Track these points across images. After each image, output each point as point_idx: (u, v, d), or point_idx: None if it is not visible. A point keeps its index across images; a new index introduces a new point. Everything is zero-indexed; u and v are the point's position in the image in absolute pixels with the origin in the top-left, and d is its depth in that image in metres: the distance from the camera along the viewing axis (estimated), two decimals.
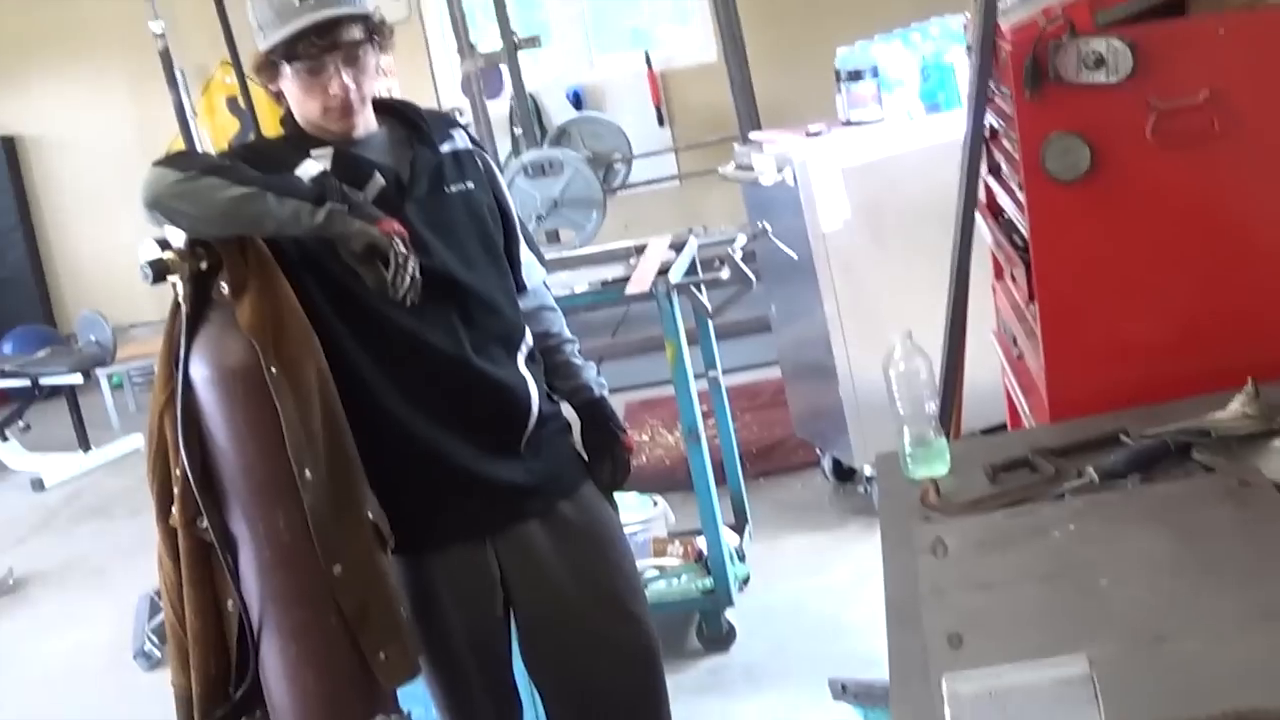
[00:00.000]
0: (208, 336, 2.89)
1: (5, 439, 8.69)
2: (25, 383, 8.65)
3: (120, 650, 5.68)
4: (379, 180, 3.02)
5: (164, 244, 2.90)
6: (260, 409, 2.84)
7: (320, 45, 2.97)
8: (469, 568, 3.14)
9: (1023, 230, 2.94)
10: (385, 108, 3.17)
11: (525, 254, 3.32)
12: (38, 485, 8.31)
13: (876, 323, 5.33)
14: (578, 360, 3.39)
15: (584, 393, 3.38)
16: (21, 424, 8.68)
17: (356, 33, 3.01)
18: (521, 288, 3.29)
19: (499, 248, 3.21)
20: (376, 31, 3.06)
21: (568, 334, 3.41)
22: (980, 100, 2.97)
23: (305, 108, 3.04)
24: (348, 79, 2.99)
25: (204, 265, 2.88)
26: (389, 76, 3.17)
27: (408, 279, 2.88)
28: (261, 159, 3.00)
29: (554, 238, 8.92)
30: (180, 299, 2.90)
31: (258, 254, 2.89)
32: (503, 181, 3.31)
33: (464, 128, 3.27)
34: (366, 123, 3.09)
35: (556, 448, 3.25)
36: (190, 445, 2.88)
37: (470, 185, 3.16)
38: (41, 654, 6.08)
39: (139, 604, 5.73)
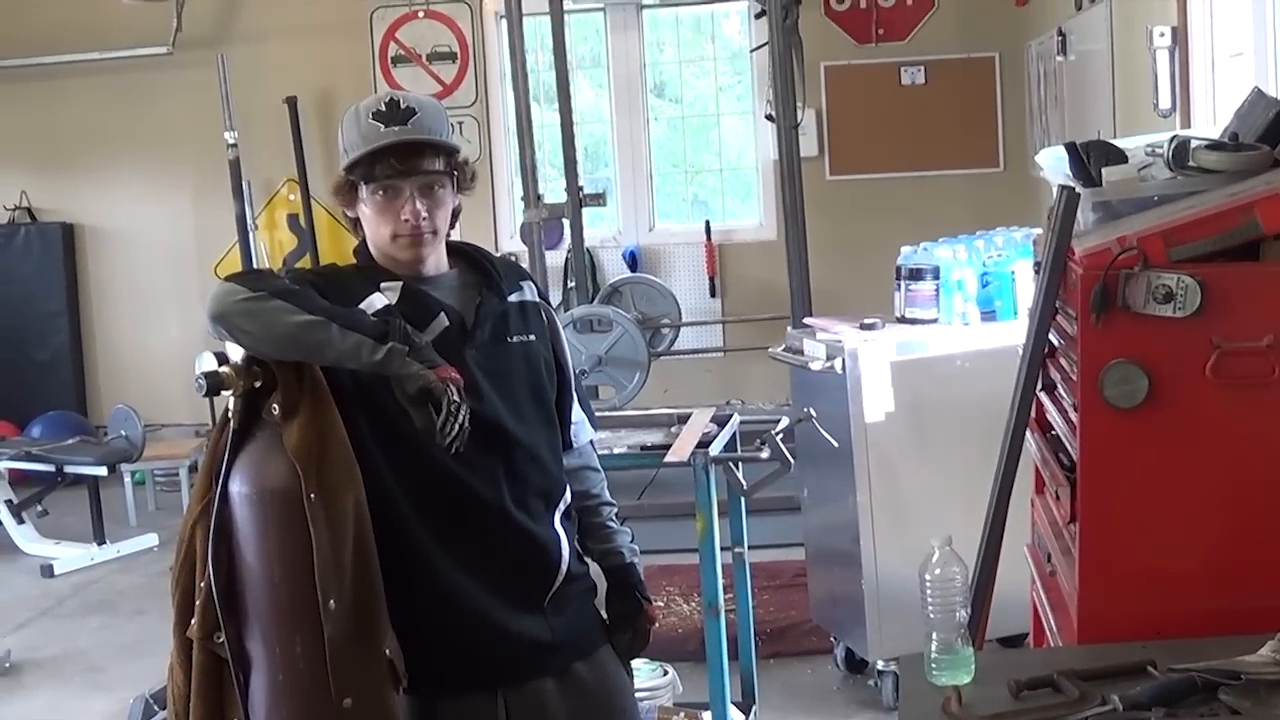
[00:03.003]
0: (252, 454, 2.90)
1: (21, 521, 8.68)
2: (50, 468, 8.66)
3: None
4: (443, 321, 3.05)
5: (222, 358, 2.92)
6: (294, 533, 2.84)
7: (399, 169, 3.02)
8: (478, 718, 3.12)
9: (1071, 450, 2.95)
10: (458, 250, 3.21)
11: (577, 412, 3.33)
12: (47, 571, 8.27)
13: (907, 518, 5.33)
14: (613, 524, 3.39)
15: (614, 557, 3.37)
16: (39, 508, 8.67)
17: (438, 164, 3.06)
18: (568, 445, 3.30)
19: (551, 403, 3.23)
20: (458, 169, 3.11)
21: (607, 497, 3.41)
22: (1044, 318, 2.99)
23: (378, 233, 3.08)
24: (421, 207, 3.03)
25: (258, 384, 2.90)
26: None
27: (456, 428, 2.87)
28: (331, 286, 3.03)
29: (593, 394, 8.95)
30: (230, 414, 2.92)
31: (313, 380, 2.91)
32: (564, 338, 3.33)
33: (533, 280, 3.30)
34: (438, 260, 3.13)
35: (580, 608, 3.23)
36: (219, 559, 2.88)
37: (532, 338, 3.18)
38: None
39: (132, 706, 5.67)
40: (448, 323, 3.06)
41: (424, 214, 3.04)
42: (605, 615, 3.33)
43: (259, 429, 2.91)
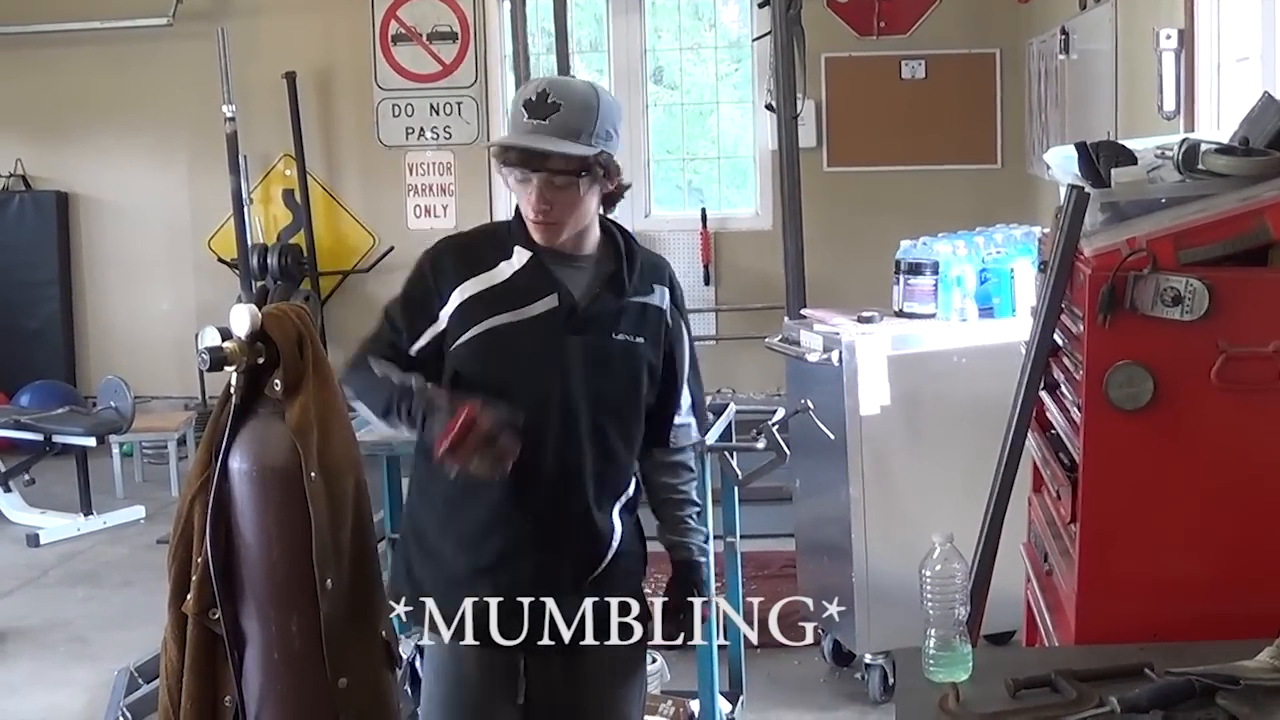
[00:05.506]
0: (252, 431, 2.90)
1: (8, 490, 8.66)
2: (38, 437, 8.63)
3: None
4: (552, 301, 3.12)
5: (225, 333, 2.92)
6: (292, 511, 2.85)
7: (526, 163, 3.06)
8: (503, 665, 3.21)
9: (1073, 451, 2.94)
10: (610, 234, 3.27)
11: (684, 415, 3.40)
12: (33, 541, 8.24)
13: (899, 513, 5.33)
14: (692, 522, 3.48)
15: (684, 552, 3.47)
16: (27, 477, 8.64)
17: (564, 164, 3.06)
18: (665, 443, 3.37)
19: (640, 403, 3.28)
20: (588, 169, 3.09)
21: (694, 496, 3.49)
22: (1050, 317, 2.98)
23: (522, 206, 3.15)
24: (545, 202, 3.06)
25: (261, 360, 2.90)
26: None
27: (482, 467, 2.93)
28: (466, 253, 3.17)
29: None
30: (232, 389, 2.92)
31: (316, 358, 2.91)
32: (685, 344, 3.37)
33: (671, 285, 3.34)
34: (579, 241, 3.18)
35: (617, 585, 3.31)
36: (216, 535, 2.89)
37: (640, 340, 3.23)
38: (9, 714, 5.99)
39: (117, 678, 5.65)
40: (556, 304, 3.12)
41: (547, 207, 3.08)
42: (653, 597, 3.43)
43: (261, 405, 2.92)
